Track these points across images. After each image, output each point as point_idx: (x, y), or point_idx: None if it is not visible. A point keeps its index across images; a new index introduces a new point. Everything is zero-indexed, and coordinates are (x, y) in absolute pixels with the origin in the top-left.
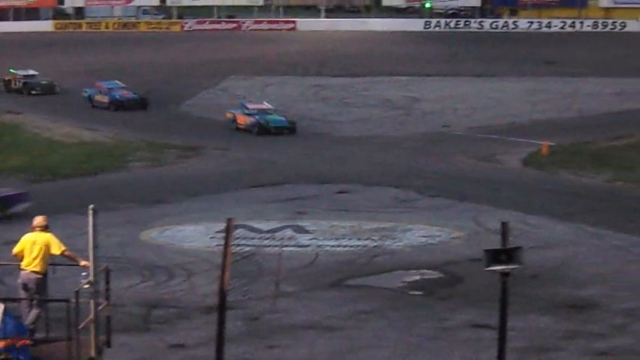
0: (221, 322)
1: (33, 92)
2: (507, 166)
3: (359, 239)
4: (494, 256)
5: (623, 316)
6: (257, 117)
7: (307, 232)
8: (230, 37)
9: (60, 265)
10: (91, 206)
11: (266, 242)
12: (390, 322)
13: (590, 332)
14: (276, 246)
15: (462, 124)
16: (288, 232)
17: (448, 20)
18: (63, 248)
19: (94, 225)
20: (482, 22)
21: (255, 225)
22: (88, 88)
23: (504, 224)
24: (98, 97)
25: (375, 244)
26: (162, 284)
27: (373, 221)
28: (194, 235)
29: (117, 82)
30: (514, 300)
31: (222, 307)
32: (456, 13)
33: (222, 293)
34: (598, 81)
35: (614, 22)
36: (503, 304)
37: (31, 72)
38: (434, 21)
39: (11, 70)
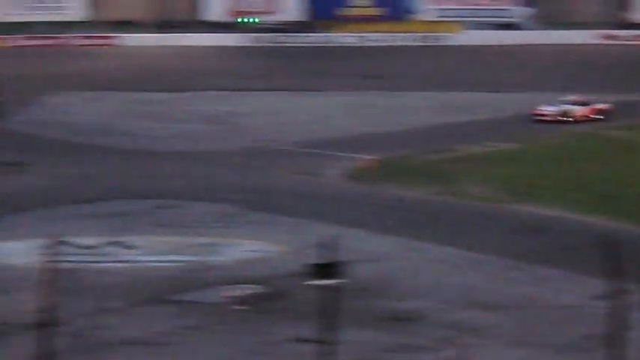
0: (43, 339)
1: None
2: (329, 180)
3: (181, 254)
4: (317, 270)
5: (447, 328)
6: None
7: (129, 247)
8: (53, 53)
9: None
10: None
11: (88, 258)
12: (213, 337)
13: (415, 345)
14: (98, 262)
15: (284, 139)
16: (110, 248)
17: (270, 35)
18: None
19: None
20: (307, 36)
21: (77, 241)
22: None
23: (328, 239)
24: None
25: (198, 259)
26: None
27: (195, 236)
28: (15, 251)
29: None
30: (337, 314)
31: (44, 324)
32: (278, 28)
33: (45, 310)
34: (421, 95)
35: (436, 36)
36: (328, 319)
37: None
38: (255, 36)
39: None
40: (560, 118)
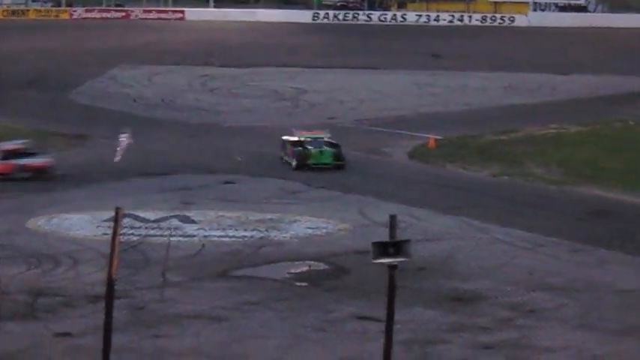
0: (108, 311)
1: None
2: (394, 158)
3: (245, 230)
4: (382, 248)
5: (508, 309)
6: None
7: (193, 222)
8: (118, 26)
9: None
10: None
11: (152, 232)
12: (276, 313)
13: (476, 325)
14: (162, 236)
15: (349, 117)
16: (175, 222)
17: (337, 12)
18: None
19: None
20: (370, 14)
21: (142, 214)
22: None
23: (392, 217)
24: None
25: (262, 235)
26: (49, 272)
27: (260, 212)
28: (81, 223)
29: None
30: (400, 292)
31: (109, 296)
32: (345, 5)
33: (110, 282)
34: (485, 75)
35: (503, 17)
36: (391, 297)
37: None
38: (322, 13)
39: None
40: None
